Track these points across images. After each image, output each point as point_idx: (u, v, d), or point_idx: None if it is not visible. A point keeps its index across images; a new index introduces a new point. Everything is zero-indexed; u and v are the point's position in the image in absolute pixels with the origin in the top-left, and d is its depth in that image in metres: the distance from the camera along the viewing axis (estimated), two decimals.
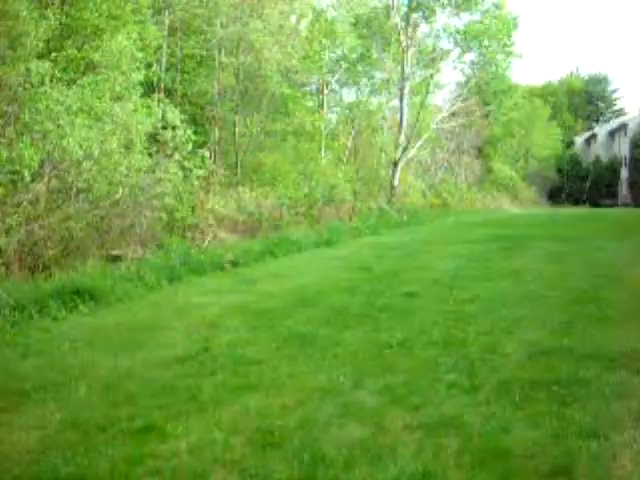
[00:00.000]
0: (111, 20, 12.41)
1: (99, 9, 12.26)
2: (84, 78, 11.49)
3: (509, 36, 25.73)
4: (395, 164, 25.22)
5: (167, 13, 18.54)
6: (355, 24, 26.06)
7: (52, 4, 12.06)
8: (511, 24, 25.50)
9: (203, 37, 19.39)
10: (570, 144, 54.10)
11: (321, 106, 26.94)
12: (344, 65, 26.46)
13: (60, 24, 11.91)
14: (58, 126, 9.75)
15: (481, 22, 25.40)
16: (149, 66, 14.92)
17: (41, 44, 10.17)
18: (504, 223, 18.76)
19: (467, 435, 3.54)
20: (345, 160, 25.36)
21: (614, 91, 64.28)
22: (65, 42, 12.24)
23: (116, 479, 3.24)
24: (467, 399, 4.08)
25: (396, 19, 25.10)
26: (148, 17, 14.82)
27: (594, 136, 54.27)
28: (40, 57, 10.08)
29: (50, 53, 11.09)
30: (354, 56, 26.02)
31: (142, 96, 13.19)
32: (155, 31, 14.76)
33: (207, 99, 20.23)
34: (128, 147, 11.54)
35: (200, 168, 13.81)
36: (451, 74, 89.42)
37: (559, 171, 48.80)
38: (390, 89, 28.86)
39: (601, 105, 64.66)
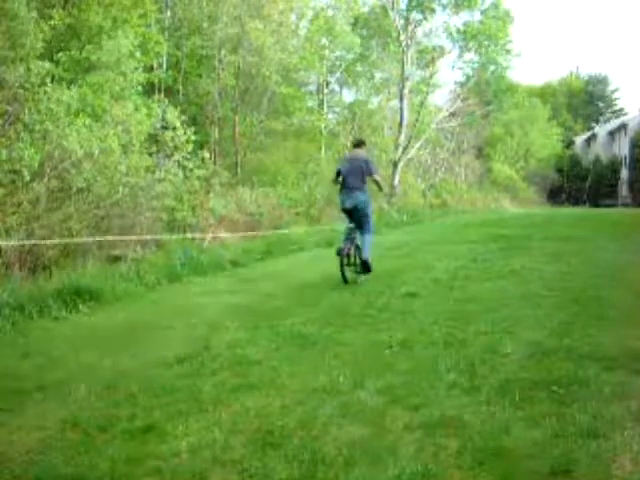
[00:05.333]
0: (116, 22, 12.46)
1: (105, 11, 12.31)
2: (85, 78, 11.52)
3: (506, 33, 25.76)
4: (395, 164, 25.22)
5: (168, 13, 18.56)
6: (354, 24, 26.10)
7: (53, 6, 12.09)
8: (507, 19, 25.53)
9: (204, 37, 19.41)
10: (570, 144, 54.08)
11: (321, 106, 26.96)
12: (344, 65, 26.49)
13: (64, 25, 11.94)
14: (58, 126, 9.76)
15: (480, 22, 25.42)
16: (150, 67, 14.94)
17: (41, 44, 10.18)
18: (504, 223, 18.73)
19: (467, 435, 3.53)
20: None
21: (614, 91, 64.32)
22: (69, 43, 12.29)
23: (116, 479, 3.24)
24: (467, 399, 4.07)
25: (395, 18, 25.10)
26: (152, 21, 14.87)
27: (594, 136, 54.26)
28: (44, 57, 10.10)
29: (53, 54, 11.12)
30: (353, 56, 26.06)
31: (142, 95, 13.21)
32: (158, 37, 14.79)
33: (207, 99, 20.23)
34: (128, 147, 11.55)
35: (199, 168, 13.83)
36: (451, 74, 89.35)
37: (559, 171, 48.79)
38: (390, 89, 28.88)
39: (601, 105, 64.68)
